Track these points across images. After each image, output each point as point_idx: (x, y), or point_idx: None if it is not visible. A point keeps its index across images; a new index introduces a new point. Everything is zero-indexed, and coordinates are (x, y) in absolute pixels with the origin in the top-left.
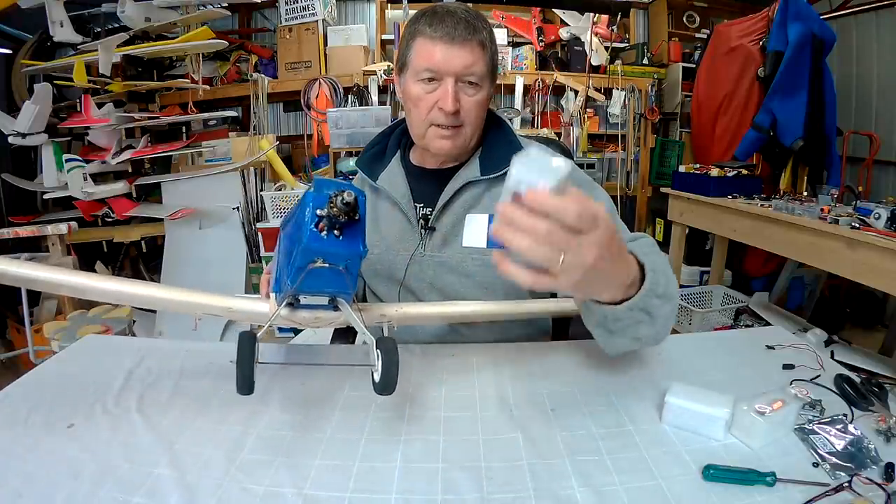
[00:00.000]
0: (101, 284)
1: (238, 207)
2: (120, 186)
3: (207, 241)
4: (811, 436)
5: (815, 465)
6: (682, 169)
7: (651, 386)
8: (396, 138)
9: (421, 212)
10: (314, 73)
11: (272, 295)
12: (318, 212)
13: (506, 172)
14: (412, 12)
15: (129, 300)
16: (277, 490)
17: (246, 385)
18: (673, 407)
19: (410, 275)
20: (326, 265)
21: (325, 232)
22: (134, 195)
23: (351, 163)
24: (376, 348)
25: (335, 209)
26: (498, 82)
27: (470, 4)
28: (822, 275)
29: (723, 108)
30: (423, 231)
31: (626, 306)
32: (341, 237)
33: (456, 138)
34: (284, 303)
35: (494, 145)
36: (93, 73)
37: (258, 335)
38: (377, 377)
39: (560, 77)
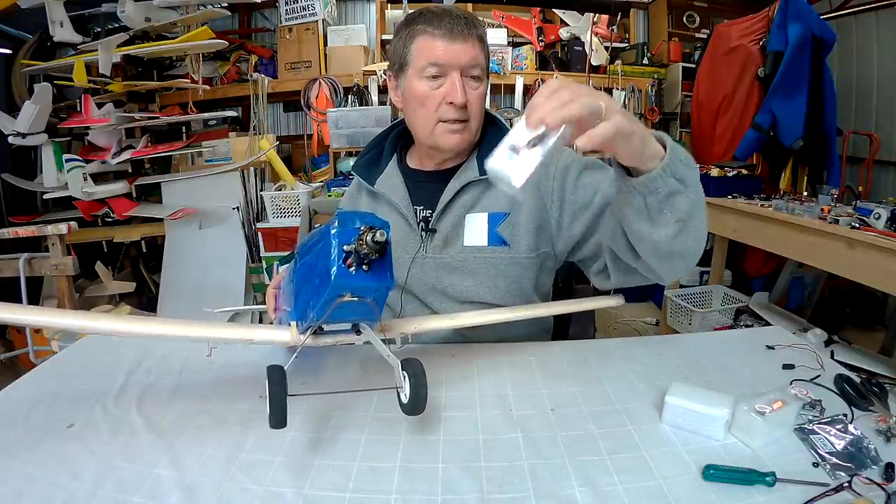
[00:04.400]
0: (130, 327)
1: (238, 207)
2: (120, 186)
3: (207, 241)
4: (811, 436)
5: (815, 465)
6: None
7: (651, 386)
8: (392, 142)
9: (421, 214)
10: (314, 73)
11: (293, 323)
12: (345, 247)
13: None
14: (409, 14)
15: (155, 338)
16: (277, 490)
17: (281, 421)
18: (673, 407)
19: (412, 278)
20: (355, 299)
21: (353, 267)
22: (134, 195)
23: (351, 163)
24: (402, 370)
25: (365, 247)
26: (498, 82)
27: (471, 5)
28: (822, 275)
29: (723, 108)
30: (423, 234)
31: (660, 167)
32: (369, 271)
33: (464, 132)
34: (309, 333)
35: (491, 144)
36: (93, 73)
37: (286, 368)
38: (405, 398)
39: (560, 77)
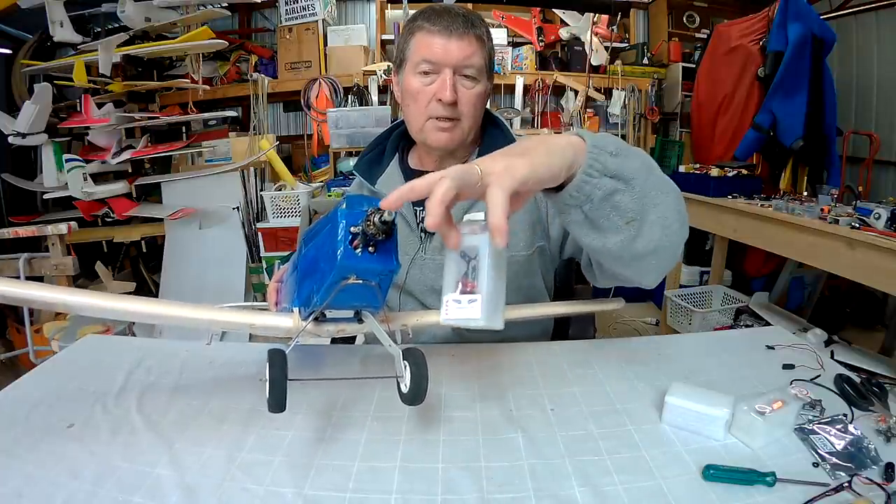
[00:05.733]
0: (128, 305)
1: (238, 207)
2: (120, 186)
3: (207, 241)
4: (811, 436)
5: (815, 465)
6: (682, 169)
7: (651, 386)
8: (394, 142)
9: (420, 215)
10: (314, 73)
11: (295, 309)
12: (352, 229)
13: None
14: (412, 12)
15: (154, 319)
16: (277, 490)
17: (280, 405)
18: (673, 407)
19: (410, 278)
20: (360, 282)
21: (359, 249)
22: (134, 195)
23: (351, 163)
24: (403, 359)
25: (372, 227)
26: (498, 82)
27: (471, 4)
28: (822, 275)
29: (723, 108)
30: (422, 234)
31: (583, 171)
32: (375, 253)
33: (454, 132)
34: (311, 318)
35: (491, 146)
36: (93, 73)
37: (287, 351)
38: (405, 388)
39: (560, 77)
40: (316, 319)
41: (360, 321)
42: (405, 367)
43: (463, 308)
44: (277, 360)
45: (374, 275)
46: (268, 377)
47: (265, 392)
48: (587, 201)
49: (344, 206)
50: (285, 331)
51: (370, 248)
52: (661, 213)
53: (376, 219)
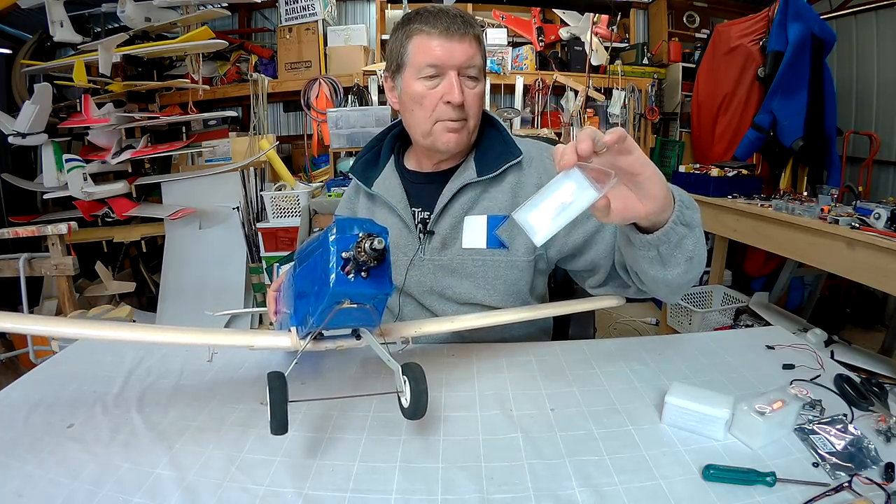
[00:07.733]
0: (126, 334)
1: (238, 207)
2: (120, 186)
3: (207, 241)
4: (811, 436)
5: (815, 465)
6: (682, 169)
7: (651, 386)
8: (389, 143)
9: (419, 216)
10: (314, 73)
11: (293, 329)
12: (344, 254)
13: (501, 173)
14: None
15: (155, 344)
16: (277, 490)
17: (281, 427)
18: (673, 407)
19: (410, 279)
20: (354, 305)
21: (351, 275)
22: (134, 195)
23: (351, 163)
24: (403, 375)
25: (363, 255)
26: (498, 82)
27: (471, 4)
28: (822, 275)
29: (723, 108)
30: (421, 235)
31: (671, 221)
32: (368, 278)
33: (462, 132)
34: (310, 339)
35: (489, 146)
36: (93, 73)
37: (286, 374)
38: (405, 403)
39: (560, 77)
40: (314, 338)
41: (359, 337)
42: (405, 382)
43: (537, 222)
44: (277, 384)
45: (368, 299)
46: (268, 401)
47: (266, 410)
48: (665, 243)
49: (334, 230)
50: (284, 349)
51: (363, 274)
52: (701, 251)
53: (367, 245)
